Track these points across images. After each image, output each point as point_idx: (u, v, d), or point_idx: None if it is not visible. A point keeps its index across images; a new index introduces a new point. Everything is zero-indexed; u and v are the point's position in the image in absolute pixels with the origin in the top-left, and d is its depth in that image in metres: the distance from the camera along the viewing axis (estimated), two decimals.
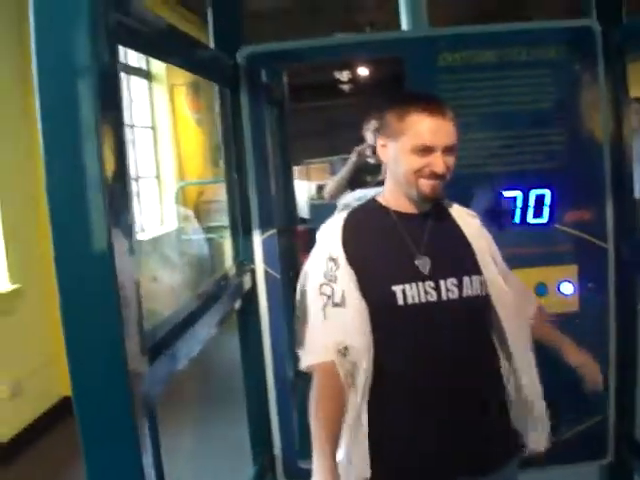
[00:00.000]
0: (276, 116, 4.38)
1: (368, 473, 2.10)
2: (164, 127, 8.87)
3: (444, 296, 2.12)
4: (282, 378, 3.24)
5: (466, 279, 2.16)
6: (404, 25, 3.93)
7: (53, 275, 1.52)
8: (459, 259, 2.21)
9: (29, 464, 4.86)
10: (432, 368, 2.11)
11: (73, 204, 1.51)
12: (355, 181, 5.06)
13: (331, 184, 5.58)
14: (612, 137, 3.03)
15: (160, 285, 7.00)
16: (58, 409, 5.44)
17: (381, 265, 2.17)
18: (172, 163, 8.96)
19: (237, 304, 3.02)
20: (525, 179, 3.03)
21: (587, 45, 3.01)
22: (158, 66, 8.55)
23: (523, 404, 2.22)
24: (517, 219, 3.03)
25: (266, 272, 3.13)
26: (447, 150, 2.11)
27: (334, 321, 2.11)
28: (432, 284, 2.12)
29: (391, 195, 2.25)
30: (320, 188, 12.73)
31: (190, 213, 8.76)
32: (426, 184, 2.12)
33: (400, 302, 2.09)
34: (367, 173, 5.02)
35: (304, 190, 13.20)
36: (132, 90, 8.18)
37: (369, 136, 5.05)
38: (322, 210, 11.02)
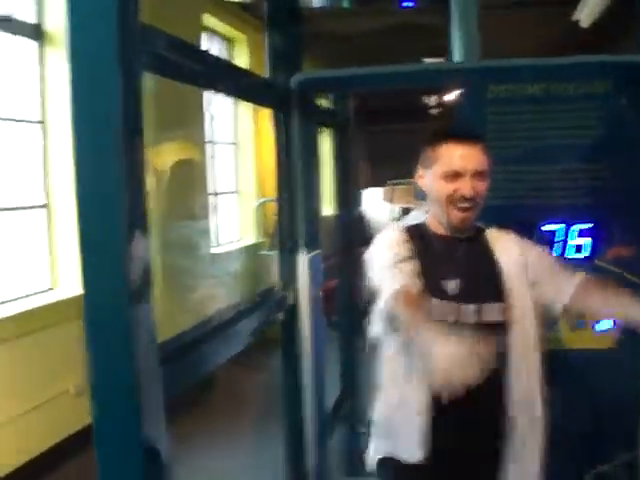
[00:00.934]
0: (339, 137, 4.49)
1: None
2: (246, 144, 9.06)
3: (462, 319, 2.21)
4: (321, 395, 3.31)
5: (486, 306, 2.24)
6: (456, 56, 4.00)
7: None
8: (484, 285, 2.30)
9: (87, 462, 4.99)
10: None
11: (97, 215, 1.64)
12: None
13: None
14: None
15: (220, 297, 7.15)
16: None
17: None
18: (252, 179, 9.13)
19: (280, 317, 3.13)
20: (568, 213, 3.05)
21: (634, 80, 3.02)
22: None
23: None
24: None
25: (310, 289, 3.22)
26: (476, 175, 2.24)
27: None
28: (454, 305, 2.21)
29: (431, 219, 2.38)
30: (405, 211, 12.76)
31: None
32: (456, 215, 2.26)
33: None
34: None
35: (387, 211, 13.27)
36: (214, 108, 8.35)
37: None
38: None
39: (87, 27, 1.61)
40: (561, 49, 3.18)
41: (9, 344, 4.71)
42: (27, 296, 5.22)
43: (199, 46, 6.28)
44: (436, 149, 2.30)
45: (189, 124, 6.84)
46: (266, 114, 9.02)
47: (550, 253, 2.42)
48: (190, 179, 6.72)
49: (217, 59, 2.31)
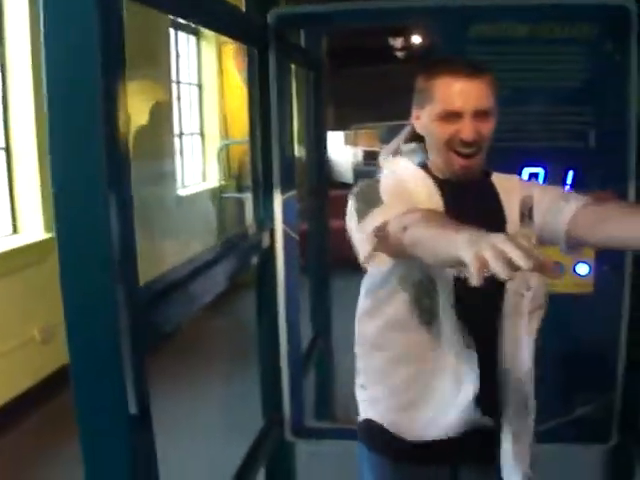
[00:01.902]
0: (313, 78, 4.41)
1: None
2: (211, 85, 8.92)
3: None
4: (295, 338, 3.29)
5: None
6: None
7: None
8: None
9: (55, 409, 4.96)
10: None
11: (72, 155, 1.55)
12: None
13: (385, 152, 5.49)
14: (638, 118, 3.00)
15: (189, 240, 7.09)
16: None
17: None
18: (217, 121, 9.01)
19: (254, 260, 3.07)
20: (549, 157, 3.02)
21: (621, 25, 2.96)
22: None
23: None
24: None
25: (284, 232, 3.18)
26: (478, 115, 1.91)
27: None
28: None
29: (432, 164, 2.06)
30: (367, 154, 12.71)
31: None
32: (457, 162, 1.95)
33: None
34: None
35: (349, 155, 13.22)
36: (179, 46, 8.19)
37: None
38: (366, 176, 11.11)
39: None
40: None
41: None
42: None
43: None
44: (431, 84, 1.96)
45: (156, 63, 6.71)
46: (230, 55, 8.96)
47: (556, 187, 2.09)
48: (157, 119, 6.58)
49: None
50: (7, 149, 5.25)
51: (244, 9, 3.01)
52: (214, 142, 8.93)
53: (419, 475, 2.09)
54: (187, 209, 7.70)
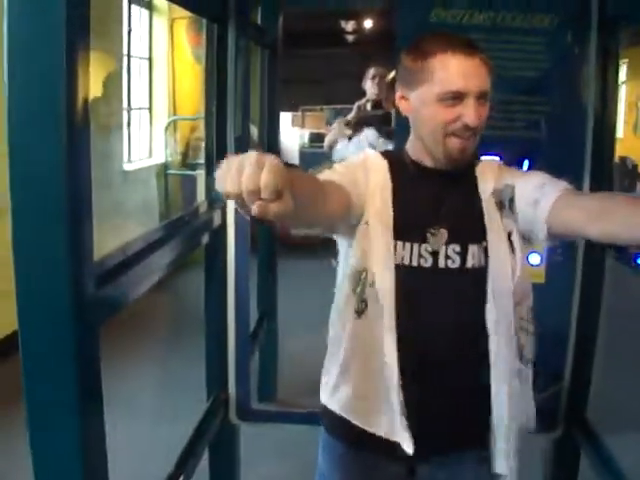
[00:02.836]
0: (267, 57, 4.36)
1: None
2: (161, 60, 8.78)
3: (441, 264, 1.85)
4: (243, 318, 3.26)
5: (472, 247, 1.86)
6: None
7: None
8: (471, 227, 1.89)
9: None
10: (422, 336, 1.87)
11: (31, 123, 1.49)
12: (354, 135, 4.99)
13: (331, 136, 5.45)
14: (597, 107, 3.01)
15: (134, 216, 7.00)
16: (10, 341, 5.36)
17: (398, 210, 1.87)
18: (166, 97, 8.88)
19: (205, 239, 3.02)
20: (505, 145, 3.00)
21: (582, 17, 2.97)
22: None
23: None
24: None
25: (236, 211, 3.12)
26: (481, 97, 1.78)
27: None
28: (429, 248, 1.84)
29: (414, 151, 1.93)
30: (313, 136, 12.68)
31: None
32: (456, 144, 1.80)
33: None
34: (367, 127, 4.97)
35: (296, 137, 13.16)
36: (132, 19, 8.04)
37: (369, 87, 4.98)
38: (312, 158, 11.06)
39: None
40: None
41: None
42: None
43: None
44: (425, 63, 1.79)
45: (109, 35, 6.59)
46: (183, 30, 8.84)
47: (540, 174, 1.94)
48: (107, 92, 6.46)
49: None
50: None
51: None
52: (162, 118, 8.81)
53: (372, 464, 2.00)
54: (132, 184, 7.60)
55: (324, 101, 12.58)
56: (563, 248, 3.07)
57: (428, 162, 1.91)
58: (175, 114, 8.93)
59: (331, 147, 5.17)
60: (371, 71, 4.83)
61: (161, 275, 2.29)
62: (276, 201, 1.16)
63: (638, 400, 4.41)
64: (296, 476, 3.75)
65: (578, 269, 3.07)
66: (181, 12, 8.57)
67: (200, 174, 7.36)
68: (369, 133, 4.80)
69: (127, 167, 7.71)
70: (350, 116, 5.05)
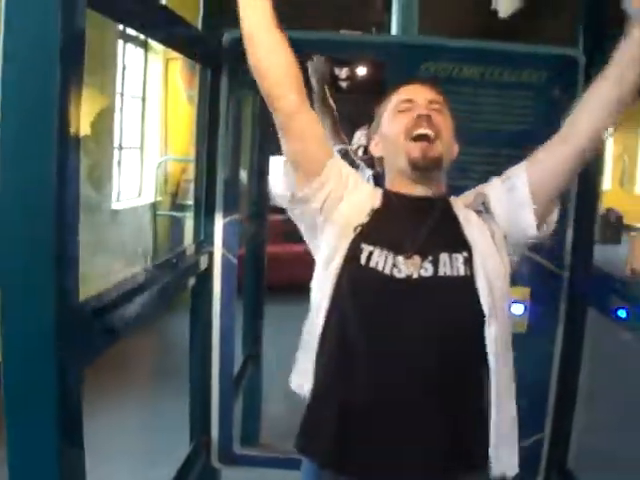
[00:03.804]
0: (259, 103, 4.40)
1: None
2: (155, 99, 8.82)
3: (414, 274, 1.86)
4: (227, 362, 3.26)
5: (444, 256, 1.89)
6: (394, 30, 3.95)
7: None
8: (445, 239, 1.94)
9: None
10: (390, 348, 1.86)
11: (22, 153, 1.53)
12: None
13: None
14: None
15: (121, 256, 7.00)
16: None
17: (373, 221, 1.96)
18: (158, 137, 8.91)
19: (191, 282, 3.03)
20: None
21: (570, 74, 3.03)
22: None
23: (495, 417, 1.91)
24: None
25: (223, 255, 3.16)
26: (432, 103, 1.96)
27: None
28: (405, 262, 1.87)
29: (391, 185, 2.03)
30: None
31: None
32: (416, 148, 1.91)
33: (362, 262, 1.89)
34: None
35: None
36: (126, 57, 8.08)
37: (359, 136, 5.03)
38: None
39: None
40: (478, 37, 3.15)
41: None
42: None
43: None
44: (386, 101, 2.04)
45: (103, 73, 6.64)
46: (177, 70, 8.90)
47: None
48: (99, 130, 6.49)
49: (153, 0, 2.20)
50: None
51: (200, 28, 3.00)
52: (153, 157, 8.83)
53: None
54: (121, 224, 7.59)
55: None
56: (546, 297, 3.10)
57: (403, 189, 1.99)
58: (166, 154, 8.96)
59: None
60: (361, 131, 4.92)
61: (147, 317, 2.30)
62: None
63: (620, 447, 4.41)
64: None
65: (560, 320, 3.10)
66: (176, 53, 8.64)
67: (189, 216, 7.40)
68: (367, 172, 4.86)
69: (116, 206, 7.71)
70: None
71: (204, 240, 3.14)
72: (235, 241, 3.21)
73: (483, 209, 1.99)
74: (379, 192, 2.04)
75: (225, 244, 3.17)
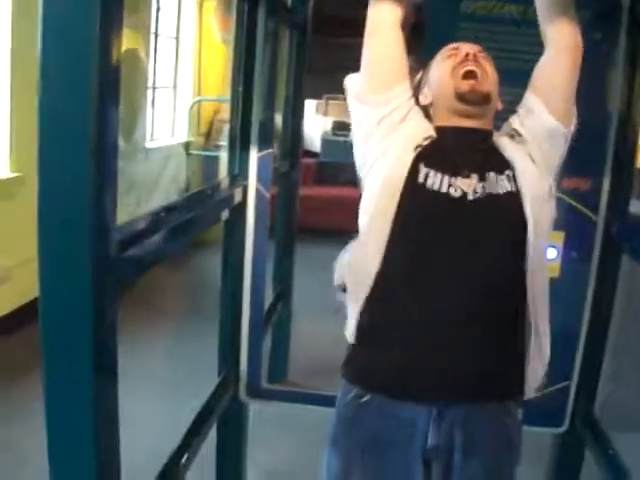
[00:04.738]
0: (296, 42, 4.37)
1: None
2: (188, 40, 8.80)
3: (471, 196, 1.93)
4: (258, 296, 3.28)
5: (492, 175, 1.97)
6: None
7: None
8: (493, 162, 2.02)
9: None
10: (442, 263, 1.94)
11: (61, 90, 1.53)
12: None
13: None
14: (621, 111, 3.01)
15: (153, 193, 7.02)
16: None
17: (429, 146, 2.02)
18: (191, 77, 8.90)
19: (224, 215, 3.04)
20: None
21: (612, 16, 2.97)
22: None
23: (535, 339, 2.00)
24: None
25: (257, 189, 3.16)
26: (478, 53, 2.06)
27: None
28: (462, 181, 1.94)
29: (438, 119, 2.09)
30: (336, 124, 12.66)
31: None
32: (463, 82, 1.99)
33: (420, 181, 1.94)
34: None
35: (319, 125, 13.15)
36: None
37: None
38: (335, 146, 11.04)
39: None
40: None
41: None
42: None
43: None
44: (433, 60, 2.13)
45: (138, 13, 6.61)
46: (211, 11, 8.84)
47: None
48: (134, 70, 6.49)
49: None
50: None
51: None
52: (186, 97, 8.83)
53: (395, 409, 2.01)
54: (154, 162, 7.62)
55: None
56: (579, 243, 3.08)
57: (453, 124, 2.05)
58: (199, 95, 8.95)
59: None
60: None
61: (181, 245, 2.32)
62: None
63: None
64: (303, 456, 3.78)
65: (593, 265, 3.08)
66: None
67: (222, 156, 7.40)
68: None
69: (149, 144, 7.73)
70: None
71: (238, 174, 3.14)
72: (269, 175, 3.21)
73: (515, 134, 2.11)
74: (431, 126, 2.08)
75: (259, 178, 3.17)
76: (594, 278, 3.10)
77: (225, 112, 8.92)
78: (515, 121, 2.14)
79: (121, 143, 1.64)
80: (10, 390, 4.25)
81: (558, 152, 2.14)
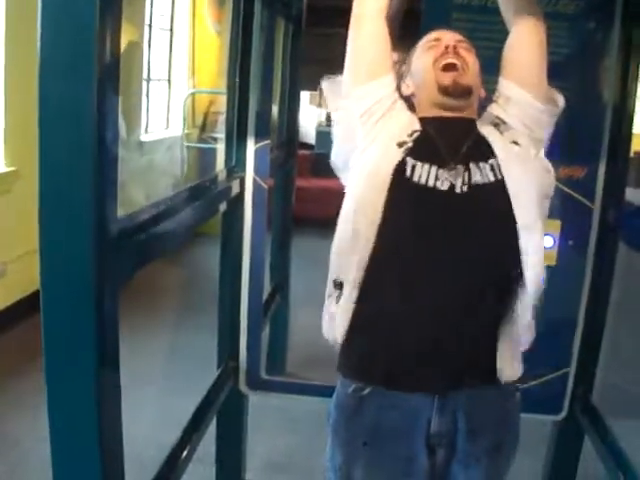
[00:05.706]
0: (291, 34, 4.37)
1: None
2: (182, 32, 8.78)
3: (458, 189, 1.93)
4: (257, 288, 3.29)
5: (475, 165, 1.96)
6: None
7: None
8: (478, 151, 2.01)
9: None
10: (429, 254, 1.94)
11: (60, 82, 1.52)
12: None
13: None
14: (615, 100, 3.02)
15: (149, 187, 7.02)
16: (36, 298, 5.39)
17: (414, 139, 2.01)
18: (185, 69, 8.89)
19: (222, 207, 3.05)
20: None
21: (606, 5, 2.97)
22: None
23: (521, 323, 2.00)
24: None
25: (254, 181, 3.17)
26: (459, 43, 2.04)
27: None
28: (449, 173, 1.94)
29: (422, 110, 2.08)
30: (330, 116, 12.71)
31: None
32: (444, 75, 1.98)
33: (407, 174, 1.93)
34: None
35: (314, 116, 13.15)
36: None
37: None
38: (329, 137, 11.02)
39: None
40: None
41: None
42: None
43: None
44: (414, 48, 2.12)
45: (132, 4, 6.60)
46: (204, 2, 8.83)
47: None
48: (128, 62, 6.48)
49: None
50: None
51: None
52: (181, 90, 8.82)
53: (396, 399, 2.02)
54: (149, 155, 7.61)
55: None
56: (575, 231, 3.09)
57: (434, 114, 2.05)
58: (194, 87, 8.94)
59: None
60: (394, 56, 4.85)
61: (181, 237, 2.32)
62: None
63: None
64: (302, 447, 3.80)
65: (590, 253, 3.09)
66: None
67: (218, 148, 7.38)
68: None
69: (144, 138, 7.72)
70: None
71: (235, 165, 3.15)
72: (266, 167, 3.22)
73: (500, 122, 2.09)
74: (415, 118, 2.08)
75: (256, 170, 3.17)
76: (591, 265, 3.10)
77: (220, 104, 8.93)
78: (496, 109, 2.12)
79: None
80: (4, 385, 4.25)
81: (544, 128, 2.15)
